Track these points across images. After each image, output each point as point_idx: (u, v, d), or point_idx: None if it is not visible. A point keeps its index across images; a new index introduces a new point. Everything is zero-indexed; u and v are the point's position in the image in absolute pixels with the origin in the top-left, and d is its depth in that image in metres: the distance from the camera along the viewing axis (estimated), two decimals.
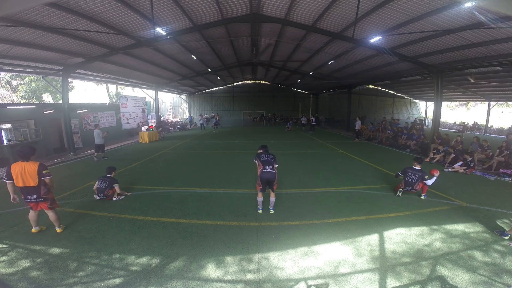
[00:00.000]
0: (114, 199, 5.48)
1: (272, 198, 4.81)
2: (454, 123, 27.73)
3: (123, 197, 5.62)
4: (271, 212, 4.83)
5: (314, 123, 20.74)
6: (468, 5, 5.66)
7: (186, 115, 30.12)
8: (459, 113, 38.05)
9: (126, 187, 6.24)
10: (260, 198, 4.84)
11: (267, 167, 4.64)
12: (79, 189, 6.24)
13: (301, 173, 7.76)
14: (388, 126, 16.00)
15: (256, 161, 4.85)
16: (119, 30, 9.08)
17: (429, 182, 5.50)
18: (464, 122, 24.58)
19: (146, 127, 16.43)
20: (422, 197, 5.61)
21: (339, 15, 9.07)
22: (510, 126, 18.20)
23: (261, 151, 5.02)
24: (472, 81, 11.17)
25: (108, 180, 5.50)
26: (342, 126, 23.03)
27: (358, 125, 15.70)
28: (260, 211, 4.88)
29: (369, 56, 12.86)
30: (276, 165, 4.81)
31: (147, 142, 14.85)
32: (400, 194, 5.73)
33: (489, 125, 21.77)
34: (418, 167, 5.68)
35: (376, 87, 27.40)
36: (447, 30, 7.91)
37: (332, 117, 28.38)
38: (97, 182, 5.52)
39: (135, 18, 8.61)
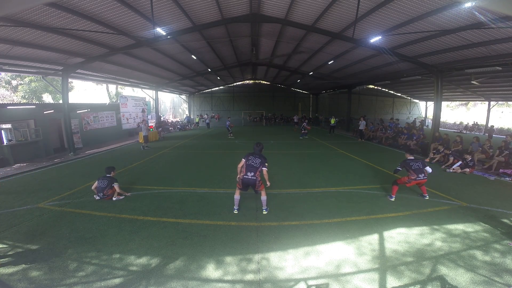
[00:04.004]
0: (114, 199, 5.48)
1: (263, 196, 4.73)
2: (454, 123, 27.74)
3: (123, 197, 5.62)
4: (264, 213, 4.75)
5: (334, 125, 19.11)
6: (468, 5, 5.66)
7: (187, 115, 30.08)
8: (459, 113, 38.07)
9: (126, 187, 6.24)
10: (237, 196, 4.75)
11: (248, 173, 4.51)
12: (79, 189, 6.23)
13: (301, 173, 7.76)
14: (387, 127, 16.00)
15: (244, 160, 4.66)
16: (119, 30, 9.08)
17: (429, 169, 5.49)
18: (466, 123, 24.67)
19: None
20: (427, 198, 5.55)
21: (339, 15, 9.08)
22: None
23: (253, 151, 4.80)
24: (475, 83, 11.17)
25: (108, 180, 5.51)
26: (342, 126, 23.08)
27: (363, 125, 15.58)
28: (235, 211, 4.77)
29: (369, 56, 12.87)
30: (265, 168, 4.60)
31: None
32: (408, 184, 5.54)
33: (489, 125, 21.75)
34: (413, 157, 5.68)
35: (376, 87, 27.40)
36: (447, 30, 7.91)
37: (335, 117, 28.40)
38: (96, 182, 5.53)
39: (135, 18, 8.61)
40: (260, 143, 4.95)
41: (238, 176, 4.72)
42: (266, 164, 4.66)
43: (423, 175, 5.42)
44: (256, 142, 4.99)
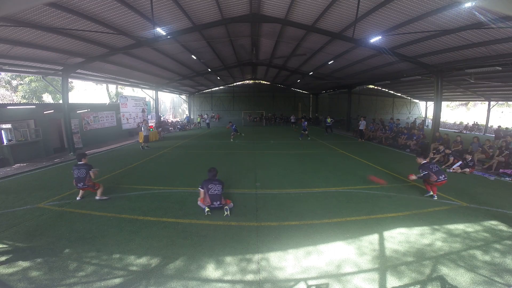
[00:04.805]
0: (97, 198, 5.37)
1: (231, 204, 4.82)
2: (454, 123, 27.75)
3: (108, 198, 5.47)
4: (225, 214, 4.61)
5: (330, 124, 19.23)
6: (468, 5, 5.66)
7: (187, 115, 30.12)
8: (459, 113, 38.10)
9: (126, 187, 6.26)
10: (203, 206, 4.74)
11: (215, 203, 4.58)
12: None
13: (301, 173, 7.75)
14: (387, 126, 16.01)
15: (203, 190, 4.63)
16: (119, 30, 9.08)
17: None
18: (466, 123, 24.63)
19: None
20: (435, 198, 5.57)
21: (339, 15, 9.08)
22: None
23: (208, 178, 4.78)
24: (472, 81, 11.18)
25: (85, 168, 5.26)
26: (342, 126, 23.08)
27: (363, 125, 15.56)
28: (209, 213, 4.66)
29: (369, 56, 12.86)
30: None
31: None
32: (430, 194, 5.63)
33: (489, 125, 21.77)
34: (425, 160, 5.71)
35: (376, 87, 27.41)
36: (447, 30, 7.91)
37: (332, 117, 28.43)
38: (73, 173, 5.25)
39: (135, 18, 8.61)
40: (214, 168, 4.94)
41: (200, 199, 4.80)
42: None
43: (443, 176, 5.46)
44: (209, 168, 4.97)
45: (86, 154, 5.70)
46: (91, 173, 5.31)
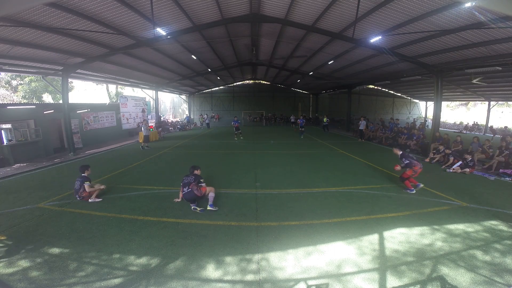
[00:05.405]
0: (90, 200, 5.38)
1: (211, 193, 5.04)
2: (454, 123, 27.75)
3: (101, 199, 5.47)
4: (208, 209, 4.86)
5: (327, 124, 19.70)
6: (468, 5, 5.66)
7: (187, 115, 30.09)
8: (459, 113, 38.10)
9: (126, 187, 6.26)
10: (192, 204, 5.04)
11: (184, 189, 4.99)
12: None
13: (301, 173, 7.75)
14: (387, 125, 16.01)
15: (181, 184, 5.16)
16: (119, 30, 9.08)
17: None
18: (466, 123, 24.58)
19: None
20: (414, 191, 5.90)
21: (339, 15, 9.08)
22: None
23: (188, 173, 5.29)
24: (475, 82, 11.19)
25: (80, 180, 5.37)
26: (342, 126, 23.05)
27: (363, 125, 15.57)
28: (203, 211, 4.86)
29: (369, 56, 12.87)
30: (202, 184, 5.07)
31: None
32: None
33: (489, 125, 21.75)
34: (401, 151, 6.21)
35: (376, 87, 27.41)
36: (447, 30, 7.91)
37: (332, 117, 28.43)
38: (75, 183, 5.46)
39: (135, 18, 8.61)
40: (193, 166, 5.36)
41: (176, 200, 5.35)
42: (202, 180, 5.12)
43: (420, 163, 5.99)
44: (191, 165, 5.40)
45: (88, 166, 5.73)
46: (85, 186, 5.38)
